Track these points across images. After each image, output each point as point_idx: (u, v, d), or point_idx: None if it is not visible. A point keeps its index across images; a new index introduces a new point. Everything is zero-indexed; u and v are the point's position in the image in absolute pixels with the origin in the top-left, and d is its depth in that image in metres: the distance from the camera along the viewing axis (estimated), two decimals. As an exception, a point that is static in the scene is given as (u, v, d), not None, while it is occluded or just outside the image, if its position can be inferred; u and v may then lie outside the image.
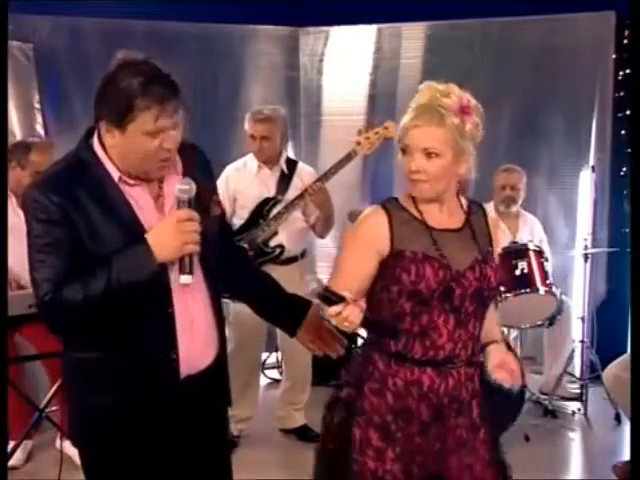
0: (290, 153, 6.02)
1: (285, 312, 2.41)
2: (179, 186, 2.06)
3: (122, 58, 2.02)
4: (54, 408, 3.86)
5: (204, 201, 2.17)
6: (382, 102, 5.87)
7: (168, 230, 2.00)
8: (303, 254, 4.50)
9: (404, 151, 2.13)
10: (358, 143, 4.22)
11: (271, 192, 4.36)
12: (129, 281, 1.98)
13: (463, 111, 2.10)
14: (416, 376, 2.14)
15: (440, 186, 2.14)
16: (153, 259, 1.98)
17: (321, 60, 6.08)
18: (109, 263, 1.97)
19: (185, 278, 2.05)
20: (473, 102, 2.13)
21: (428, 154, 2.08)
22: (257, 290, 2.44)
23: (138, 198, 2.09)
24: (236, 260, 2.45)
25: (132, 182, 2.08)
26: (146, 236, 2.00)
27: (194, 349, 2.15)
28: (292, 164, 4.48)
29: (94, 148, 2.09)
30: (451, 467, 2.18)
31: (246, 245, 4.15)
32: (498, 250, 2.30)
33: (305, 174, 4.44)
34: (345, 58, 6.03)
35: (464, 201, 2.28)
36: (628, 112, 4.98)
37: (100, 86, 2.03)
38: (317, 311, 2.36)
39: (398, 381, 2.15)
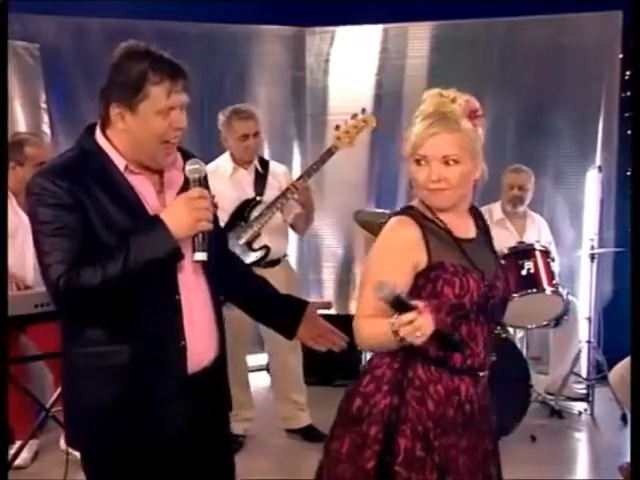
0: (296, 153, 6.05)
1: (282, 313, 2.41)
2: (189, 166, 2.09)
3: (126, 46, 2.07)
4: (60, 408, 3.86)
5: None
6: (388, 102, 5.86)
7: (181, 208, 2.02)
8: (284, 256, 4.48)
9: (419, 162, 2.07)
10: (338, 138, 4.20)
11: (248, 193, 4.32)
12: (147, 261, 1.98)
13: (473, 115, 2.07)
14: (456, 384, 2.10)
15: (459, 193, 2.10)
16: (171, 237, 1.99)
17: (327, 60, 6.08)
18: (126, 244, 1.98)
19: (200, 255, 2.05)
20: (477, 104, 2.11)
21: (447, 162, 2.04)
22: (252, 293, 2.44)
23: (141, 188, 2.10)
24: (230, 263, 2.46)
25: (137, 171, 2.10)
26: (160, 215, 2.01)
27: (196, 341, 2.14)
28: (264, 163, 4.46)
29: (96, 139, 2.11)
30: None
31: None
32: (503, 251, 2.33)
33: (279, 173, 4.44)
34: (351, 58, 6.03)
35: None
36: (635, 112, 4.96)
37: (108, 75, 2.06)
38: (314, 308, 2.40)
39: (440, 388, 2.09)
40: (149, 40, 2.11)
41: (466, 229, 2.17)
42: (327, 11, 5.80)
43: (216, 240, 2.25)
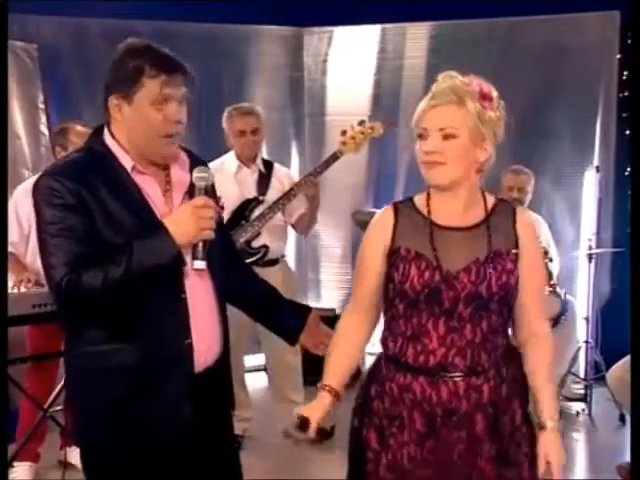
0: (294, 153, 6.06)
1: (286, 319, 2.42)
2: (196, 174, 2.09)
3: (127, 43, 2.11)
4: (58, 408, 3.85)
5: None
6: (386, 102, 5.87)
7: (185, 216, 2.03)
8: (282, 256, 4.49)
9: (421, 136, 2.05)
10: (344, 143, 4.20)
11: (251, 192, 4.33)
12: (149, 266, 1.99)
13: (484, 97, 2.03)
14: (408, 382, 2.07)
15: (456, 171, 2.03)
16: (173, 244, 2.00)
17: (325, 60, 6.09)
18: (129, 249, 1.99)
19: (199, 264, 2.06)
20: (495, 94, 2.08)
21: (445, 135, 2.00)
22: (256, 296, 2.45)
23: (148, 188, 2.12)
24: (236, 265, 2.47)
25: (143, 170, 2.11)
26: (164, 221, 2.02)
27: (200, 341, 2.14)
28: (268, 164, 4.47)
29: (105, 140, 2.13)
30: None
31: None
32: (534, 254, 2.14)
33: (282, 175, 4.46)
34: (349, 58, 6.03)
35: (491, 199, 2.16)
36: (633, 112, 4.97)
37: (109, 69, 2.10)
38: (317, 316, 2.42)
39: (394, 386, 2.10)
40: (148, 40, 2.11)
41: (460, 217, 2.09)
42: (325, 11, 5.81)
43: (222, 242, 2.26)
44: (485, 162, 2.08)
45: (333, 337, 2.23)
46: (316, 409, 2.10)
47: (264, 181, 4.37)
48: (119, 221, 2.03)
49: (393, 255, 2.08)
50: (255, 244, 4.28)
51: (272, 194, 4.30)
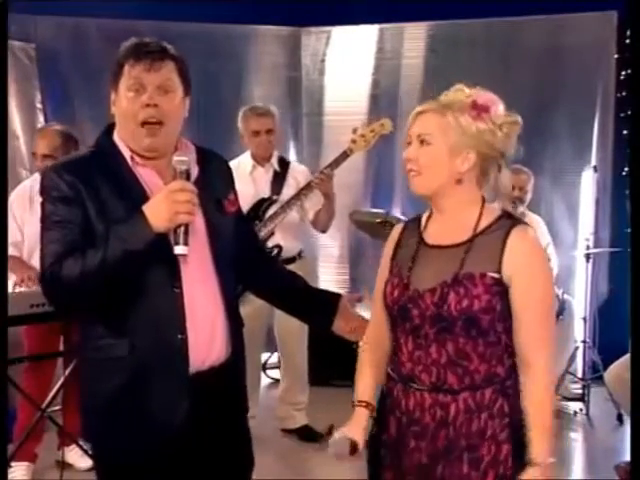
0: (292, 153, 6.05)
1: (317, 306, 2.41)
2: (176, 157, 2.07)
3: (132, 42, 2.14)
4: (56, 408, 3.85)
5: (219, 199, 2.23)
6: (384, 102, 5.87)
7: (160, 200, 2.00)
8: (300, 254, 4.49)
9: (408, 143, 2.04)
10: (354, 141, 4.20)
11: (266, 192, 4.34)
12: (124, 251, 1.97)
13: (475, 107, 1.99)
14: (390, 386, 2.12)
15: (432, 180, 2.01)
16: (148, 228, 1.97)
17: (323, 60, 6.09)
18: (107, 236, 1.99)
19: (179, 249, 2.02)
20: (496, 106, 2.04)
21: (421, 141, 2.00)
22: (284, 286, 2.45)
23: (148, 179, 2.12)
24: (260, 257, 2.50)
25: (143, 162, 2.12)
26: (142, 207, 2.01)
27: (198, 336, 2.11)
28: (284, 163, 4.49)
29: (112, 135, 2.17)
30: None
31: None
32: (529, 279, 1.98)
33: (298, 173, 4.46)
34: (347, 58, 6.04)
35: (492, 215, 2.08)
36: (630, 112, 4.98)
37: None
38: (347, 301, 2.41)
39: (385, 388, 2.15)
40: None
41: (446, 235, 2.06)
42: (323, 11, 5.81)
43: (238, 237, 2.27)
44: (466, 172, 2.01)
45: (357, 362, 2.25)
46: (357, 430, 2.13)
47: (279, 180, 4.38)
48: (112, 213, 2.04)
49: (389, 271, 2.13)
50: (269, 244, 4.29)
51: (287, 193, 4.31)
